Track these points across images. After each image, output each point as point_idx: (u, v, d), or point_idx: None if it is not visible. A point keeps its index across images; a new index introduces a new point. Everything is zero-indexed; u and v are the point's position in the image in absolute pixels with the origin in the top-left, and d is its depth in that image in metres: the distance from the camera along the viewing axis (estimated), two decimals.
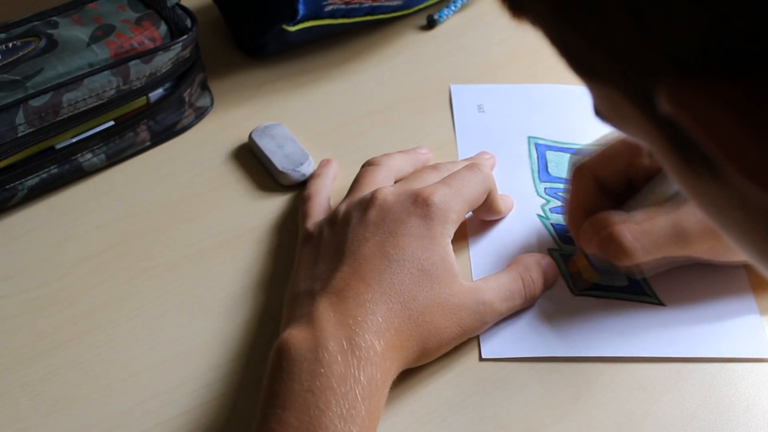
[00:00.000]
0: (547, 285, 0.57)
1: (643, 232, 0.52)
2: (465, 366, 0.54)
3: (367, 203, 0.54)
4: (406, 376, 0.53)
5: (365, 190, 0.57)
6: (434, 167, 0.60)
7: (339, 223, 0.55)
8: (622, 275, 0.57)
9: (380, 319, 0.49)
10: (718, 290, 0.57)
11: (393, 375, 0.49)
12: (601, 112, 0.32)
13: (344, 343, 0.47)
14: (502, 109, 0.70)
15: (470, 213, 0.60)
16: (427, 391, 0.53)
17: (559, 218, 0.61)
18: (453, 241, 0.54)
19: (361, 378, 0.46)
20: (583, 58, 0.29)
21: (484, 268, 0.59)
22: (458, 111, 0.70)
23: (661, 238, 0.52)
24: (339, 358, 0.46)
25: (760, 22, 0.22)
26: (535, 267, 0.56)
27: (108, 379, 0.54)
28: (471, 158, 0.64)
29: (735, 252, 0.56)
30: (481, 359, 0.54)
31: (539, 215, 0.62)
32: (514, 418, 0.52)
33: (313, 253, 0.55)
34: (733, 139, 0.24)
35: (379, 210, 0.54)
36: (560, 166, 0.65)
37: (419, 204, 0.53)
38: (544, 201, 0.63)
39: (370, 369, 0.46)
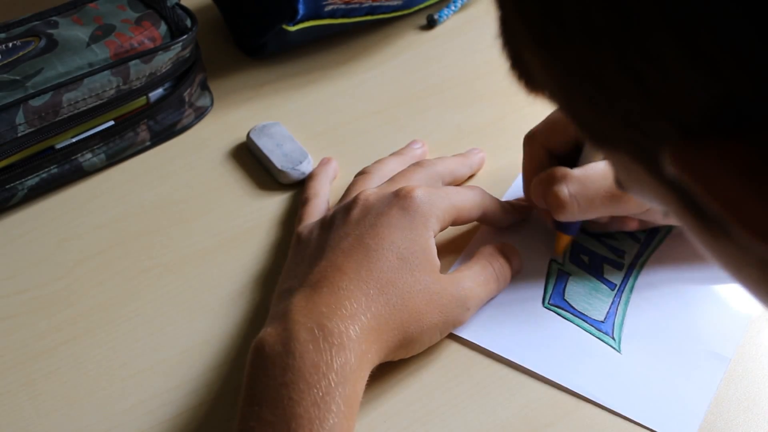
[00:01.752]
0: (514, 267, 0.57)
1: (579, 186, 0.55)
2: (464, 366, 0.54)
3: (351, 204, 0.55)
4: (405, 377, 0.53)
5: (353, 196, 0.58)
6: (419, 164, 0.61)
7: (325, 226, 0.55)
8: (601, 305, 0.57)
9: (354, 305, 0.48)
10: (682, 366, 0.54)
11: (372, 360, 0.49)
12: (620, 181, 0.32)
13: (315, 330, 0.47)
14: None
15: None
16: (427, 391, 0.53)
17: (585, 239, 0.60)
18: (447, 252, 0.55)
19: (334, 364, 0.46)
20: (594, 128, 0.29)
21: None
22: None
23: (598, 195, 0.55)
24: (311, 347, 0.46)
25: (758, 83, 0.22)
26: (497, 253, 0.56)
27: (108, 379, 0.54)
28: (461, 153, 0.64)
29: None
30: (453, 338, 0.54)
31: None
32: (514, 418, 0.52)
33: (299, 255, 0.55)
34: (739, 199, 0.24)
35: (362, 209, 0.54)
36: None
37: (401, 197, 0.54)
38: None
39: (343, 354, 0.46)
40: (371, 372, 0.49)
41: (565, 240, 0.59)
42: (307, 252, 0.54)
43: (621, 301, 0.57)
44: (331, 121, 0.70)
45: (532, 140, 0.59)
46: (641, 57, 0.24)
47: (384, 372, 0.52)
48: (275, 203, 0.64)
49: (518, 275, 0.58)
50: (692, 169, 0.24)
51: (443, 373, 0.54)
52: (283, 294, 0.52)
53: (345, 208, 0.55)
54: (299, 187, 0.65)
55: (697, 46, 0.22)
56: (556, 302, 0.57)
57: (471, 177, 0.65)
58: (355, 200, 0.55)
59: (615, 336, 0.56)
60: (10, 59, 0.62)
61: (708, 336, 0.55)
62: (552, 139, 0.58)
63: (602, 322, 0.56)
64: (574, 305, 0.57)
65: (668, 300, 0.57)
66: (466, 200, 0.57)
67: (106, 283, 0.59)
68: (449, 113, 0.71)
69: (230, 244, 0.62)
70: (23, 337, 0.56)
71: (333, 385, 0.45)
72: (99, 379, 0.54)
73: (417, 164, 0.60)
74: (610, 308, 0.57)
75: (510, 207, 0.60)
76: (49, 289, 0.59)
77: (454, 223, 0.56)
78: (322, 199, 0.62)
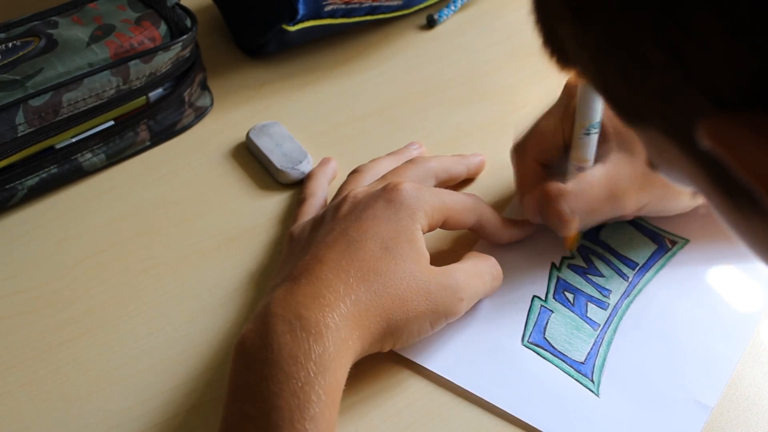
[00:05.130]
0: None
1: (576, 198, 0.55)
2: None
3: (340, 202, 0.54)
4: (405, 377, 0.52)
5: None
6: (412, 161, 0.60)
7: (315, 225, 0.55)
8: (582, 345, 0.55)
9: (333, 294, 0.48)
10: (661, 413, 0.52)
11: (355, 348, 0.48)
12: (651, 160, 0.32)
13: (292, 320, 0.46)
14: None
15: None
16: (427, 391, 0.53)
17: (570, 276, 0.58)
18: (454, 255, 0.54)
19: (312, 353, 0.45)
20: (626, 103, 0.29)
21: None
22: None
23: (594, 200, 0.55)
24: (288, 338, 0.46)
25: None
26: (486, 256, 0.56)
27: (108, 379, 0.54)
28: (460, 155, 0.64)
29: (672, 208, 0.57)
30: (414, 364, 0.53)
31: (553, 263, 0.59)
32: (514, 418, 0.52)
33: (289, 253, 0.55)
34: None
35: (350, 205, 0.54)
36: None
37: (387, 190, 0.53)
38: (569, 255, 0.59)
39: (322, 343, 0.46)
40: (370, 372, 0.49)
41: (574, 236, 0.58)
42: (296, 249, 0.54)
43: (603, 342, 0.55)
44: (330, 121, 0.70)
45: (522, 153, 0.58)
46: (679, 30, 0.24)
47: (384, 372, 0.52)
48: (275, 203, 0.64)
49: (499, 309, 0.56)
50: (727, 143, 0.25)
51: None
52: (267, 292, 0.52)
53: (335, 206, 0.55)
54: (299, 187, 0.65)
55: (737, 19, 0.23)
56: (536, 341, 0.55)
57: (470, 181, 0.64)
58: (344, 198, 0.55)
59: (594, 379, 0.53)
60: (10, 59, 0.62)
61: (690, 382, 0.53)
62: (543, 150, 0.57)
63: (582, 363, 0.54)
64: (554, 344, 0.55)
65: (651, 343, 0.55)
66: (458, 202, 0.56)
67: (106, 283, 0.59)
68: (449, 113, 0.71)
69: (230, 244, 0.62)
70: (23, 337, 0.56)
71: (312, 374, 0.45)
72: (99, 379, 0.54)
73: (410, 161, 0.60)
74: (591, 349, 0.55)
75: (510, 223, 0.59)
76: (49, 289, 0.59)
77: (444, 226, 0.55)
78: (318, 199, 0.61)
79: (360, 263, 0.49)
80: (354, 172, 0.62)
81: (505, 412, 0.52)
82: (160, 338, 0.56)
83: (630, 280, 0.58)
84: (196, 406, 0.53)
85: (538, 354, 0.55)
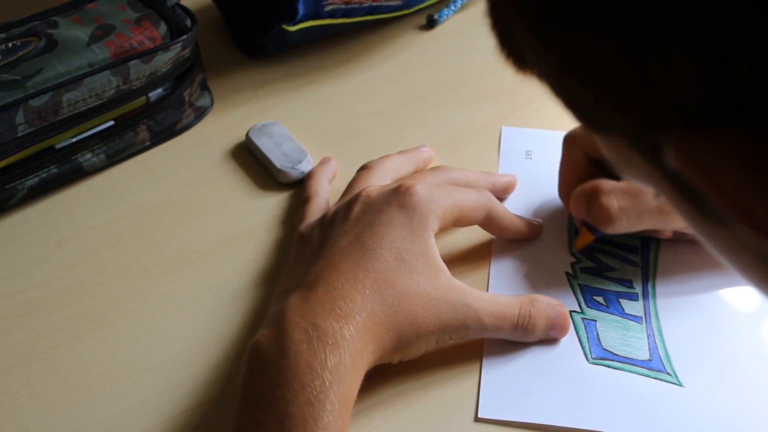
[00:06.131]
0: (548, 330, 0.53)
1: (628, 200, 0.54)
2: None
3: (352, 201, 0.54)
4: (405, 377, 0.52)
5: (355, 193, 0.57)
6: (436, 168, 0.59)
7: (326, 224, 0.55)
8: (639, 343, 0.55)
9: (349, 304, 0.48)
10: (746, 378, 0.53)
11: (367, 360, 0.48)
12: (612, 163, 0.32)
13: (309, 330, 0.46)
14: (552, 158, 0.63)
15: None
16: (427, 391, 0.53)
17: (589, 279, 0.58)
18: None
19: (328, 363, 0.45)
20: (589, 112, 0.29)
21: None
22: (505, 155, 0.66)
23: (646, 208, 0.54)
24: (305, 347, 0.46)
25: (762, 75, 0.22)
26: (542, 306, 0.53)
27: (108, 379, 0.54)
28: (488, 172, 0.63)
29: None
30: (476, 419, 0.51)
31: (568, 273, 0.58)
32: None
33: (300, 254, 0.55)
34: (739, 192, 0.23)
35: (362, 206, 0.53)
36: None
37: (400, 193, 0.53)
38: (575, 260, 0.59)
39: (338, 353, 0.46)
40: (369, 372, 0.49)
41: (588, 238, 0.57)
42: (307, 251, 0.54)
43: (655, 333, 0.55)
44: (330, 121, 0.70)
45: (572, 143, 0.58)
46: (643, 47, 0.23)
47: (383, 373, 0.52)
48: (275, 203, 0.64)
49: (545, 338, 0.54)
50: (694, 162, 0.24)
51: (443, 374, 0.54)
52: (280, 295, 0.52)
53: (346, 206, 0.54)
54: (299, 187, 0.65)
55: (702, 37, 0.22)
56: (599, 354, 0.54)
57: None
58: (356, 197, 0.54)
59: (669, 371, 0.53)
60: (10, 59, 0.62)
61: (751, 336, 0.55)
62: (594, 143, 0.55)
63: (650, 360, 0.53)
64: (616, 352, 0.54)
65: (696, 314, 0.56)
66: (469, 200, 0.55)
67: (106, 283, 0.59)
68: (449, 113, 0.71)
69: (230, 244, 0.62)
70: (23, 337, 0.56)
71: (327, 384, 0.45)
72: (99, 379, 0.54)
73: (434, 168, 0.59)
74: (649, 344, 0.54)
75: (518, 219, 0.59)
76: (49, 289, 0.59)
77: (456, 224, 0.55)
78: (323, 198, 0.61)
79: (375, 274, 0.49)
80: (364, 168, 0.61)
81: None
82: (160, 338, 0.56)
83: (639, 264, 0.59)
84: (196, 406, 0.53)
85: (609, 366, 0.53)
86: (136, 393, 0.53)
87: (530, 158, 0.66)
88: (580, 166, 0.57)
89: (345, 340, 0.47)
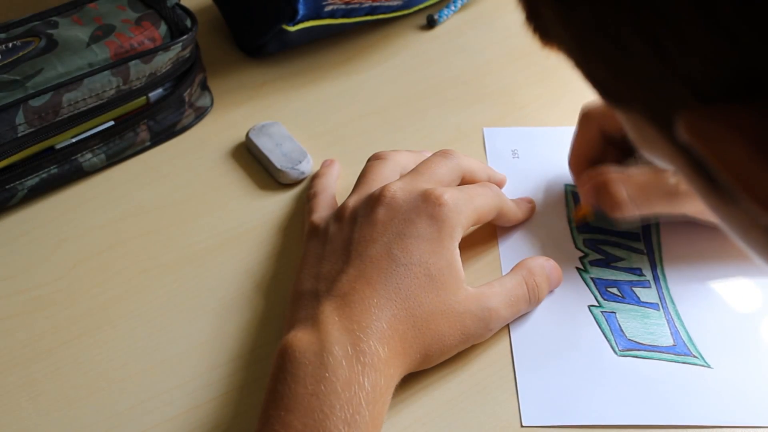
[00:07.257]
0: (551, 288, 0.57)
1: (637, 188, 0.55)
2: (464, 366, 0.54)
3: (375, 200, 0.54)
4: (405, 377, 0.53)
5: (372, 186, 0.57)
6: (444, 154, 0.58)
7: (346, 219, 0.54)
8: (661, 329, 0.55)
9: (385, 326, 0.48)
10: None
11: (396, 380, 0.49)
12: (631, 138, 0.32)
13: (349, 348, 0.47)
14: (539, 155, 0.65)
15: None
16: (426, 391, 0.53)
17: (599, 272, 0.58)
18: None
19: (366, 384, 0.46)
20: (607, 86, 0.29)
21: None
22: (492, 156, 0.67)
23: (654, 195, 0.55)
24: (344, 363, 0.46)
25: None
26: (539, 270, 0.55)
27: (108, 379, 0.54)
28: (484, 164, 0.62)
29: None
30: (522, 426, 0.51)
31: (578, 268, 0.59)
32: (513, 419, 0.52)
33: (318, 249, 0.54)
34: (747, 168, 0.24)
35: (388, 208, 0.53)
36: (600, 216, 0.60)
37: (430, 203, 0.53)
38: (582, 254, 0.59)
39: (374, 375, 0.46)
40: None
41: (588, 214, 0.59)
42: (327, 248, 0.54)
43: (674, 318, 0.56)
44: (330, 121, 0.70)
45: (587, 119, 0.59)
46: (659, 21, 0.24)
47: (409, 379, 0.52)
48: (275, 203, 0.64)
49: (569, 337, 0.55)
50: (703, 136, 0.25)
51: (443, 374, 0.54)
52: (306, 295, 0.51)
53: (369, 203, 0.54)
54: (299, 187, 0.65)
55: (716, 13, 0.23)
56: (626, 346, 0.54)
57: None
58: (380, 196, 0.53)
59: (695, 353, 0.54)
60: (10, 59, 0.62)
61: (766, 312, 0.55)
62: (609, 121, 0.57)
63: (674, 346, 0.54)
64: (641, 341, 0.55)
65: (710, 295, 0.57)
66: (487, 204, 0.56)
67: (106, 283, 0.59)
68: (449, 113, 0.71)
69: (230, 244, 0.62)
70: (23, 337, 0.56)
71: (363, 404, 0.45)
72: (99, 379, 0.54)
73: (440, 153, 0.58)
74: (671, 330, 0.55)
75: (518, 210, 0.60)
76: (49, 289, 0.59)
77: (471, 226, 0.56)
78: (331, 194, 0.61)
79: (407, 292, 0.50)
80: (375, 158, 0.60)
81: (639, 426, 0.51)
82: (160, 338, 0.56)
83: (644, 251, 0.59)
84: (197, 407, 0.53)
85: (637, 356, 0.54)
86: (136, 393, 0.53)
87: (517, 157, 0.66)
88: (593, 142, 0.58)
89: (381, 361, 0.47)
